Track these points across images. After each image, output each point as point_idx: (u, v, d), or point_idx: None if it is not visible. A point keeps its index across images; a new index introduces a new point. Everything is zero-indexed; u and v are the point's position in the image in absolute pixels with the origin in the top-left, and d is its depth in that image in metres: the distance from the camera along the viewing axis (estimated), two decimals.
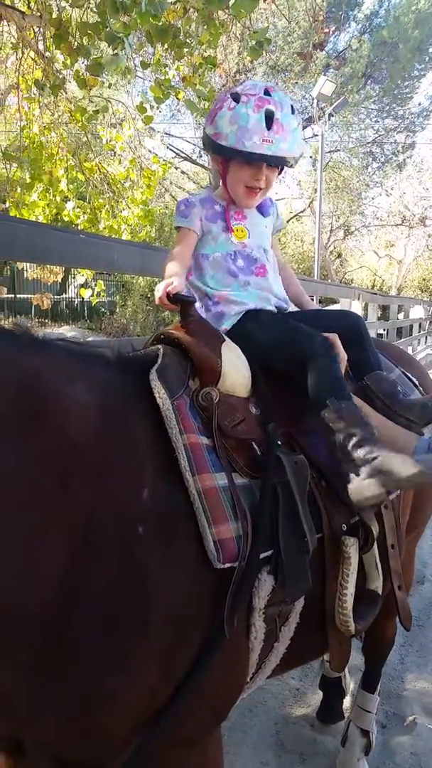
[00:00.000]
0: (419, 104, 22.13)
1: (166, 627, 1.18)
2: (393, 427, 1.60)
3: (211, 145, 1.71)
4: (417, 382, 2.03)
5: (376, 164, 23.31)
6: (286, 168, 1.76)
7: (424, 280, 33.36)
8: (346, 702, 2.64)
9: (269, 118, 1.59)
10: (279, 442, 1.44)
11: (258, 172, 1.69)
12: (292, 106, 1.66)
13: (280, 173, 1.78)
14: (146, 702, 1.19)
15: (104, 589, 1.10)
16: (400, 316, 14.09)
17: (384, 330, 11.24)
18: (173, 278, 1.54)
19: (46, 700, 1.09)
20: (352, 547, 1.49)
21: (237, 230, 1.75)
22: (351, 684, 2.73)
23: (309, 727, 2.59)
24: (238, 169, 1.70)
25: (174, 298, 1.50)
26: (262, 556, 1.30)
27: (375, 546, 1.58)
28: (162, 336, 1.52)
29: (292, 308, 1.88)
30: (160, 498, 1.22)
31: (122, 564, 1.13)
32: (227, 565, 1.23)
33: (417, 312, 17.00)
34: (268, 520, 1.32)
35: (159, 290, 1.52)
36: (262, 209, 1.82)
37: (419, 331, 15.99)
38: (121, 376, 1.33)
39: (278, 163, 1.68)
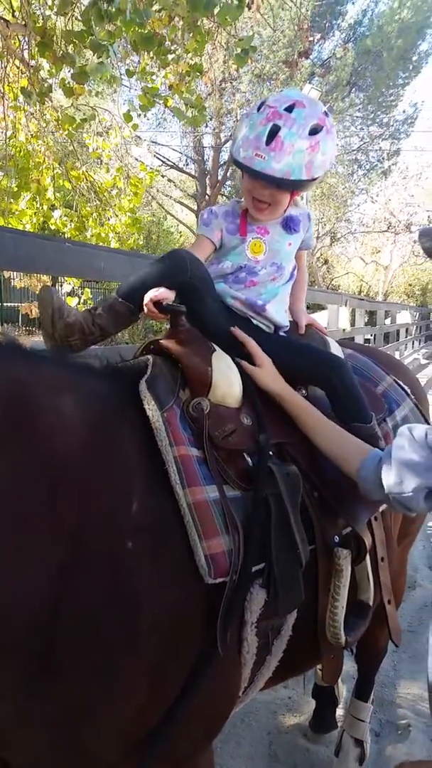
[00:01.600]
0: (403, 112, 22.34)
1: (155, 643, 1.15)
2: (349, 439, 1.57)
3: (231, 150, 1.70)
4: (408, 391, 2.03)
5: (361, 171, 23.48)
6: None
7: (410, 285, 33.59)
8: (339, 711, 2.62)
9: (273, 133, 1.54)
10: (271, 453, 1.42)
11: (259, 186, 1.64)
12: (314, 128, 1.57)
13: (295, 195, 1.71)
14: (136, 722, 1.16)
15: (92, 604, 1.08)
16: (387, 321, 14.17)
17: (371, 335, 11.30)
18: (162, 289, 1.50)
19: (34, 717, 1.07)
20: (345, 559, 1.47)
21: (254, 244, 1.73)
22: (344, 693, 2.72)
23: (302, 737, 2.57)
24: (246, 179, 1.68)
25: (163, 308, 1.48)
26: (254, 569, 1.28)
27: (367, 557, 1.57)
28: (151, 346, 1.50)
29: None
30: (149, 511, 1.20)
31: (111, 579, 1.11)
32: (219, 579, 1.21)
33: (404, 317, 17.12)
34: (260, 532, 1.30)
35: (146, 298, 1.50)
36: (289, 225, 1.75)
37: (406, 336, 16.09)
38: (110, 387, 1.31)
39: (266, 180, 1.59)
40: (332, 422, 1.56)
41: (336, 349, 1.85)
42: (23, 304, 7.21)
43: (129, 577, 1.14)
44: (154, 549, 1.18)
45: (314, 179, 1.61)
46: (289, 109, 1.56)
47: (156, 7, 3.88)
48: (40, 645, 1.03)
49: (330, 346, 1.84)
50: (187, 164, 21.79)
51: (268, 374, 1.57)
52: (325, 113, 1.61)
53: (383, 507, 1.70)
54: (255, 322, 1.71)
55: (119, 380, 1.34)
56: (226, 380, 1.44)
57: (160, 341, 1.48)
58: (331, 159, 1.62)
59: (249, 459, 1.40)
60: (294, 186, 1.62)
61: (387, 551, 1.71)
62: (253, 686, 1.44)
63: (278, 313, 1.74)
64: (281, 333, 1.78)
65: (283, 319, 1.76)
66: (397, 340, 14.47)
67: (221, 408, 1.42)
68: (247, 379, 1.52)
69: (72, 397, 1.17)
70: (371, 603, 1.61)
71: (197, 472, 1.27)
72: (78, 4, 3.86)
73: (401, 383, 2.03)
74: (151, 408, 1.28)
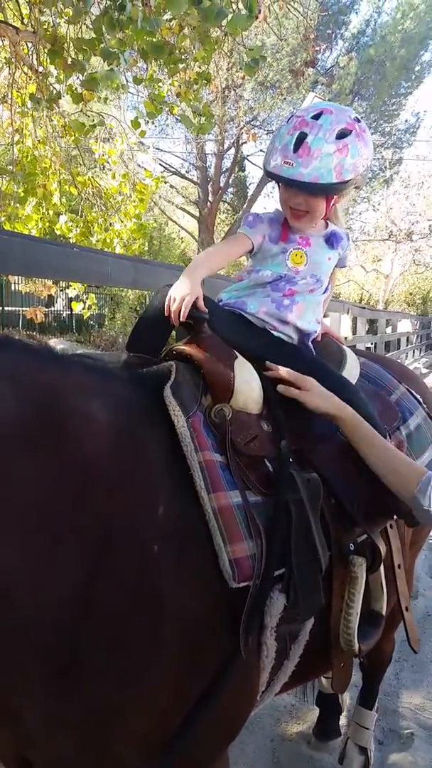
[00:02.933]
0: (406, 121, 22.50)
1: (179, 646, 1.17)
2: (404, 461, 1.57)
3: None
4: (421, 399, 2.04)
5: None
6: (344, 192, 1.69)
7: (410, 294, 33.66)
8: (343, 719, 2.62)
9: (300, 140, 1.56)
10: (291, 459, 1.43)
11: (291, 194, 1.65)
12: (342, 132, 1.57)
13: (330, 201, 1.69)
14: (158, 725, 1.17)
15: (118, 607, 1.10)
16: (388, 330, 14.20)
17: (372, 344, 11.32)
18: (187, 297, 1.50)
19: (58, 719, 1.08)
20: (360, 566, 1.48)
21: (296, 255, 1.73)
22: (347, 701, 2.72)
23: (305, 745, 2.56)
24: (280, 189, 1.70)
25: (187, 317, 1.49)
26: (275, 574, 1.29)
27: (381, 567, 1.57)
28: (174, 352, 1.51)
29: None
30: (174, 516, 1.21)
31: (136, 582, 1.12)
32: (243, 584, 1.23)
33: (404, 326, 17.16)
34: (281, 537, 1.32)
35: (174, 306, 1.50)
36: (332, 240, 1.77)
37: (407, 345, 16.11)
38: (136, 392, 1.33)
39: (296, 187, 1.61)
40: (387, 442, 1.56)
41: (352, 358, 1.86)
42: (29, 309, 7.20)
43: (154, 582, 1.15)
44: (179, 553, 1.20)
45: (346, 182, 1.61)
46: (317, 116, 1.58)
47: (167, 16, 3.91)
48: (67, 648, 1.04)
49: (346, 354, 1.85)
50: (190, 171, 21.89)
51: (317, 395, 1.54)
52: (357, 119, 1.62)
53: None
54: (276, 333, 1.71)
55: (144, 386, 1.36)
56: (247, 387, 1.46)
57: (182, 347, 1.49)
58: (364, 162, 1.62)
59: (270, 465, 1.41)
60: (324, 190, 1.62)
61: (403, 558, 1.72)
62: (270, 691, 1.45)
63: (303, 318, 1.73)
64: (308, 341, 1.77)
65: (309, 325, 1.75)
66: (398, 349, 14.50)
67: (243, 414, 1.43)
68: (268, 386, 1.53)
69: (100, 401, 1.18)
70: (384, 612, 1.62)
71: (221, 478, 1.28)
72: (89, 13, 3.89)
73: (413, 392, 2.04)
74: (176, 414, 1.30)
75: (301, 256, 1.73)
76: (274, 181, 1.69)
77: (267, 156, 1.66)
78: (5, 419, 0.98)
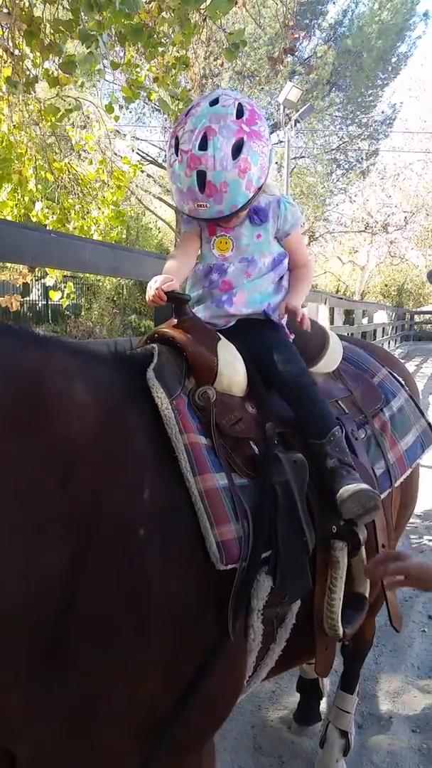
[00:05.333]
0: (382, 112, 22.59)
1: (166, 631, 1.16)
2: None
3: None
4: (403, 382, 2.05)
5: (340, 171, 23.64)
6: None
7: (386, 285, 33.96)
8: (323, 703, 2.64)
9: (201, 179, 1.51)
10: (276, 441, 1.43)
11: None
12: (235, 147, 1.50)
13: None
14: (147, 712, 1.16)
15: (103, 591, 1.08)
16: (365, 320, 14.30)
17: (349, 334, 11.40)
18: (166, 276, 1.50)
19: (43, 709, 1.06)
20: (341, 551, 1.48)
21: (220, 242, 1.69)
22: (328, 685, 2.73)
23: (286, 730, 2.58)
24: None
25: (168, 297, 1.47)
26: (262, 556, 1.29)
27: (363, 550, 1.58)
28: (156, 335, 1.50)
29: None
30: (160, 499, 1.20)
31: (122, 566, 1.11)
32: (230, 566, 1.22)
33: (380, 317, 17.30)
34: (267, 519, 1.31)
35: (151, 288, 1.48)
36: (256, 217, 1.69)
37: (383, 336, 16.26)
38: (119, 374, 1.31)
39: (220, 221, 1.61)
40: None
41: (335, 340, 1.86)
42: (4, 297, 7.09)
43: (140, 565, 1.14)
44: (165, 536, 1.19)
45: (260, 188, 1.59)
46: (203, 144, 1.49)
47: None
48: (50, 635, 1.03)
49: (330, 337, 1.84)
50: (165, 160, 21.71)
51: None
52: (239, 110, 1.53)
53: (384, 495, 1.72)
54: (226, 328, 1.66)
55: (127, 368, 1.35)
56: (231, 369, 1.45)
57: (164, 330, 1.48)
58: (265, 154, 1.57)
59: (255, 447, 1.41)
60: (246, 207, 1.60)
61: (388, 539, 1.73)
62: (257, 675, 1.45)
63: (248, 304, 1.66)
64: (275, 317, 1.69)
65: (260, 305, 1.67)
66: (374, 339, 14.62)
67: (227, 396, 1.43)
68: (252, 368, 1.52)
69: (83, 384, 1.16)
70: (367, 594, 1.63)
71: (207, 460, 1.28)
72: None
73: (396, 375, 2.05)
74: (159, 396, 1.29)
75: (225, 242, 1.69)
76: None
77: (175, 196, 1.62)
78: None
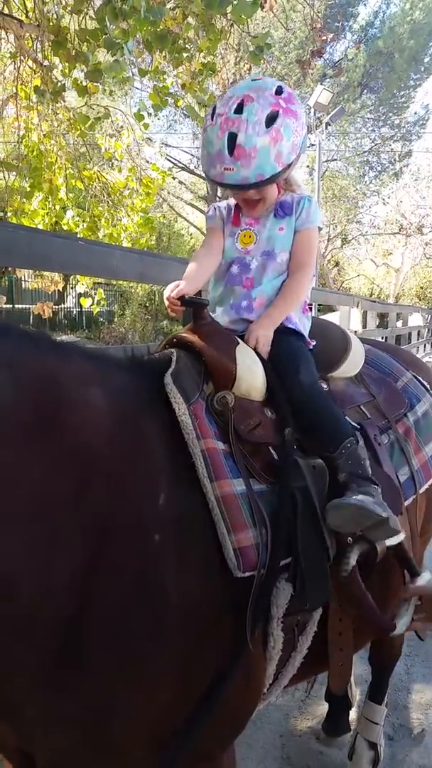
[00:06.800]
0: (415, 113, 22.42)
1: (183, 638, 1.15)
2: None
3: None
4: (428, 387, 2.00)
5: (372, 173, 23.51)
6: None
7: (421, 288, 33.45)
8: (353, 714, 2.59)
9: (231, 142, 1.50)
10: (294, 446, 1.41)
11: (240, 193, 1.62)
12: (270, 117, 1.50)
13: (280, 182, 1.65)
14: (163, 718, 1.15)
15: (119, 597, 1.08)
16: (399, 324, 14.11)
17: (383, 338, 11.25)
18: (182, 281, 1.50)
19: (59, 714, 1.06)
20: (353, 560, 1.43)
21: (244, 235, 1.68)
22: (357, 696, 2.68)
23: (315, 740, 2.53)
24: (229, 190, 1.65)
25: (186, 302, 1.47)
26: (281, 563, 1.27)
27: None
28: (174, 339, 1.49)
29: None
30: (176, 505, 1.19)
31: (138, 573, 1.10)
32: (247, 573, 1.21)
33: (416, 320, 17.03)
34: (286, 526, 1.29)
35: (167, 293, 1.48)
36: (280, 210, 1.67)
37: (418, 339, 16.01)
38: (136, 380, 1.31)
39: (242, 189, 1.57)
40: None
41: (357, 345, 1.82)
42: (36, 305, 7.21)
43: (156, 571, 1.13)
44: (181, 542, 1.18)
45: (290, 165, 1.57)
46: (239, 109, 1.50)
47: (170, 4, 3.87)
48: (66, 640, 1.02)
49: (352, 341, 1.80)
50: (198, 166, 21.83)
51: None
52: (278, 91, 1.54)
53: (408, 502, 1.68)
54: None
55: (144, 374, 1.34)
56: (250, 374, 1.43)
57: (183, 335, 1.46)
58: (300, 134, 1.56)
59: (274, 452, 1.38)
60: (272, 180, 1.57)
61: (412, 547, 1.68)
62: (278, 683, 1.43)
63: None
64: (294, 325, 1.65)
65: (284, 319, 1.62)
66: (409, 343, 14.41)
67: (245, 401, 1.40)
68: (271, 372, 1.50)
69: (100, 389, 1.16)
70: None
71: (224, 466, 1.27)
72: (92, 3, 3.86)
73: (421, 379, 2.01)
74: (177, 401, 1.28)
75: (249, 236, 1.67)
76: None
77: (203, 162, 1.61)
78: (2, 407, 0.96)
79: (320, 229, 1.77)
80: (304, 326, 1.69)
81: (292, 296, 1.64)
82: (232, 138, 1.49)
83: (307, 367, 1.57)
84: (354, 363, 1.77)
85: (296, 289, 1.65)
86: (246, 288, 1.65)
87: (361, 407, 1.73)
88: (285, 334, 1.62)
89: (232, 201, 1.75)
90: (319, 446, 1.49)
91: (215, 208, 1.76)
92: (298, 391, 1.50)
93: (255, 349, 1.51)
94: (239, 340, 1.48)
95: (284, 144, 1.52)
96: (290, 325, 1.64)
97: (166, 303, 1.50)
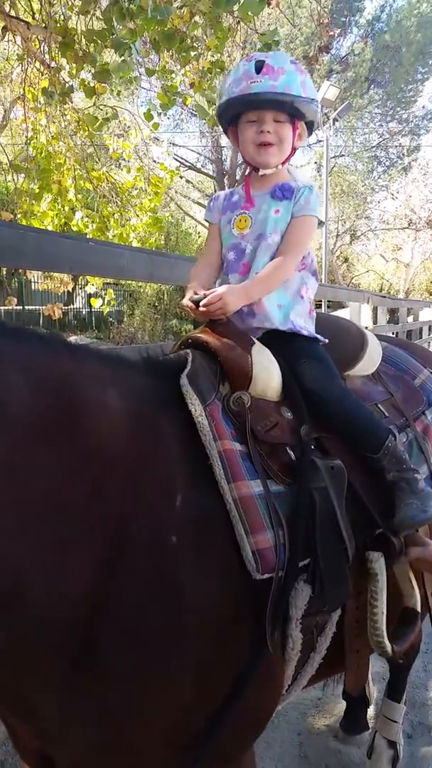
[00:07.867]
0: (423, 107, 22.28)
1: (201, 640, 1.14)
2: None
3: (217, 116, 1.69)
4: None
5: (381, 168, 23.39)
6: (306, 126, 1.63)
7: (431, 282, 33.24)
8: (371, 712, 2.58)
9: (260, 64, 1.51)
10: (312, 447, 1.40)
11: (261, 123, 1.56)
12: (293, 62, 1.56)
13: (296, 130, 1.61)
14: (183, 719, 1.15)
15: (136, 599, 1.08)
16: (410, 319, 14.02)
17: (394, 333, 11.18)
18: (193, 286, 1.50)
19: (76, 715, 1.06)
20: (377, 562, 1.43)
21: (240, 220, 1.64)
22: (375, 694, 2.67)
23: (333, 738, 2.53)
24: (244, 130, 1.60)
25: (197, 304, 1.45)
26: (300, 564, 1.26)
27: (406, 560, 1.51)
28: (189, 340, 1.48)
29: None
30: (193, 506, 1.19)
31: (155, 573, 1.10)
32: (266, 575, 1.20)
33: (427, 315, 16.91)
34: (305, 527, 1.28)
35: (186, 301, 1.48)
36: (277, 193, 1.61)
37: (429, 334, 15.90)
38: (152, 381, 1.31)
39: (267, 100, 1.52)
40: None
41: (373, 342, 1.80)
42: (47, 306, 7.23)
43: (173, 573, 1.13)
44: (198, 544, 1.18)
45: (312, 100, 1.57)
46: (267, 49, 1.58)
47: (177, 3, 3.86)
48: (83, 643, 1.02)
49: (368, 338, 1.79)
50: (205, 165, 21.82)
51: None
52: (293, 62, 1.58)
53: None
54: (254, 325, 1.59)
55: (160, 375, 1.34)
56: (266, 373, 1.42)
57: (198, 335, 1.45)
58: (315, 106, 1.59)
59: (291, 453, 1.37)
60: (294, 105, 1.54)
61: None
62: (297, 684, 1.42)
63: (273, 314, 1.58)
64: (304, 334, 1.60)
65: (284, 323, 1.58)
66: (420, 338, 14.32)
67: (262, 402, 1.39)
68: (288, 372, 1.49)
69: (116, 391, 1.16)
70: (419, 608, 1.56)
71: (241, 467, 1.26)
72: (99, 3, 3.87)
73: None
74: (193, 402, 1.28)
75: (245, 220, 1.63)
76: (233, 125, 1.64)
77: (228, 91, 1.59)
78: (19, 410, 0.96)
79: (321, 224, 1.73)
80: (313, 329, 1.66)
81: (275, 274, 1.56)
82: (260, 62, 1.52)
83: (329, 371, 1.56)
84: (371, 361, 1.76)
85: (281, 267, 1.56)
86: (242, 275, 1.62)
87: (379, 405, 1.71)
88: (302, 339, 1.60)
89: (236, 187, 1.74)
90: (362, 449, 1.49)
91: (213, 199, 1.75)
92: (335, 403, 1.50)
93: (208, 307, 1.44)
94: (255, 340, 1.47)
95: (308, 79, 1.57)
96: (306, 333, 1.61)
97: (188, 310, 1.48)
